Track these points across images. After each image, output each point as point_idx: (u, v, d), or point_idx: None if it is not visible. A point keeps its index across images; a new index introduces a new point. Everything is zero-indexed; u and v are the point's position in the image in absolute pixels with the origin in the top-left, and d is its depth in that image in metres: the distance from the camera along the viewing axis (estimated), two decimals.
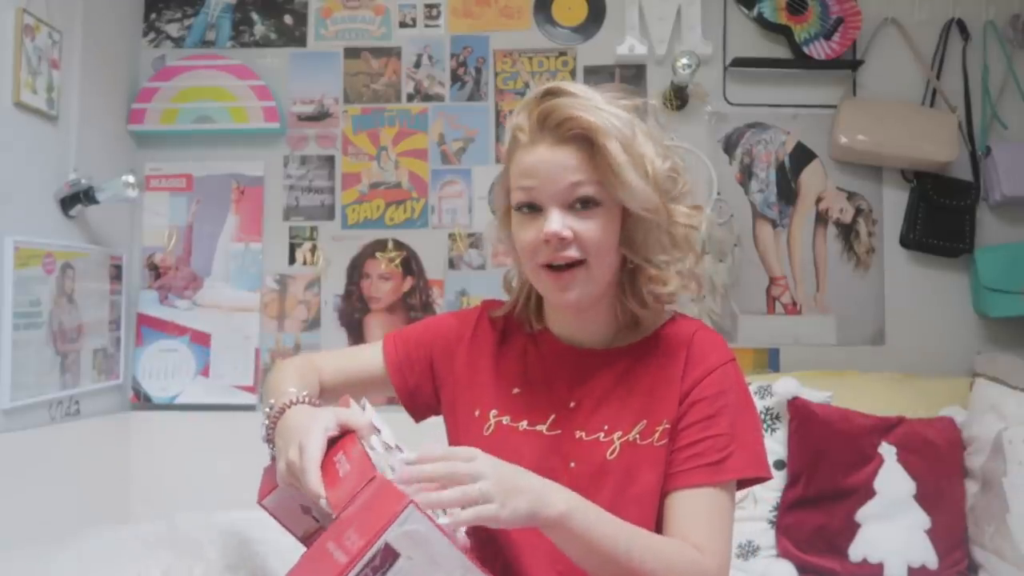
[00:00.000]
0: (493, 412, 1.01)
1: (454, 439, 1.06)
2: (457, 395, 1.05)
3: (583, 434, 0.97)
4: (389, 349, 1.09)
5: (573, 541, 0.83)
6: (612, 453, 0.95)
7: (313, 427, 0.84)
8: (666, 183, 0.95)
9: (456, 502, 0.77)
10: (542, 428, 0.99)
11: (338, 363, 1.11)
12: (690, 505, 0.93)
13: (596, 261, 0.93)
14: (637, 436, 0.95)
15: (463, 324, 1.09)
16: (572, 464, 0.96)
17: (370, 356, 1.10)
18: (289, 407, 0.91)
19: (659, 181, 0.94)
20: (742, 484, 0.98)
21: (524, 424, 1.00)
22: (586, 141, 0.91)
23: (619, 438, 0.96)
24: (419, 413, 1.10)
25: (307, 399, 0.93)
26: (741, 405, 0.98)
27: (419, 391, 1.09)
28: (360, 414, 0.88)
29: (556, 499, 0.83)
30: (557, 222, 0.91)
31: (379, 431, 0.89)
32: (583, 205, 0.92)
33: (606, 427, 0.97)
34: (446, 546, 0.72)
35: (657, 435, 0.95)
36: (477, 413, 1.02)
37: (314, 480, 0.80)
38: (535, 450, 0.98)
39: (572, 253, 0.92)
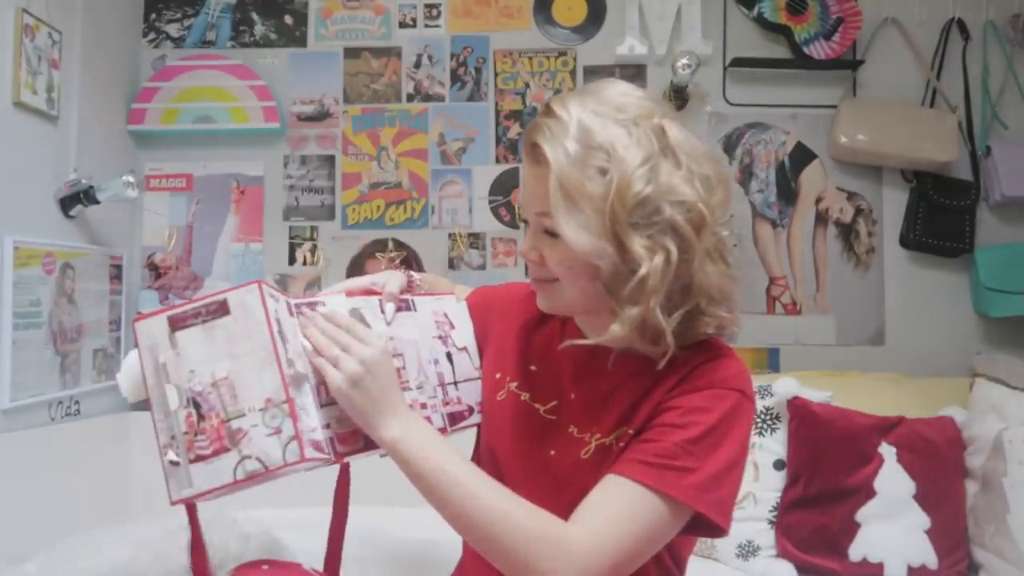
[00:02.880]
0: (507, 379, 1.06)
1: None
2: (489, 353, 1.11)
3: (575, 429, 0.98)
4: (473, 293, 1.21)
5: (402, 468, 0.87)
6: (586, 453, 0.96)
7: (363, 276, 1.05)
8: (631, 213, 0.85)
9: (319, 346, 0.88)
10: (540, 408, 1.01)
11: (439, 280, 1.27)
12: (602, 488, 0.86)
13: (567, 283, 0.93)
14: (613, 441, 0.95)
15: (521, 294, 1.14)
16: (552, 452, 0.98)
17: (461, 290, 1.23)
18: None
19: (618, 214, 0.84)
20: (694, 530, 0.89)
21: (527, 396, 1.03)
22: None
23: (596, 440, 0.96)
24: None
25: (405, 271, 1.11)
26: (723, 437, 0.88)
27: (475, 335, 1.17)
28: (397, 284, 1.04)
29: (391, 424, 0.87)
30: (525, 243, 0.96)
31: (450, 326, 1.09)
32: (549, 231, 0.92)
33: (593, 427, 0.97)
34: (263, 329, 0.82)
35: (625, 441, 0.93)
36: (498, 376, 1.07)
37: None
38: (526, 423, 1.01)
39: (543, 273, 0.95)
